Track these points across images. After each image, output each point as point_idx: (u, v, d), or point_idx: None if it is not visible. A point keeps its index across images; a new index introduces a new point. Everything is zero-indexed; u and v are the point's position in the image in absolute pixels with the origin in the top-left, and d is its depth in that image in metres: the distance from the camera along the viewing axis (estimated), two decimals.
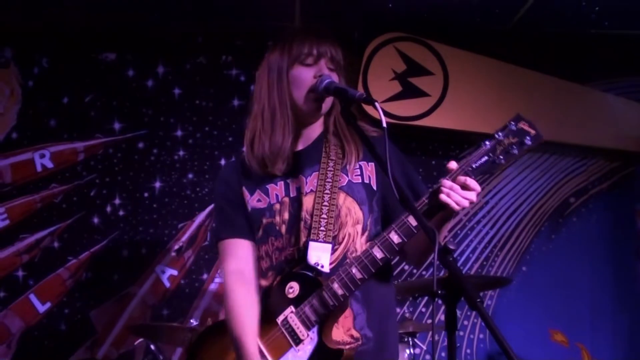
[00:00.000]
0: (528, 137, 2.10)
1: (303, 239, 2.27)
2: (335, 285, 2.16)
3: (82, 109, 5.28)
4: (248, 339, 2.25)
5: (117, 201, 5.19)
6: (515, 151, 2.10)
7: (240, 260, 2.37)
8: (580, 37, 5.39)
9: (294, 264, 2.27)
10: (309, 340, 2.19)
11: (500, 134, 2.11)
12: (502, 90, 5.22)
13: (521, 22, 5.20)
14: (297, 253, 2.27)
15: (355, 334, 2.26)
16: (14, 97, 5.29)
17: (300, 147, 2.38)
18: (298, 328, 2.20)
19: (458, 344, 5.09)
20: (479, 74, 5.25)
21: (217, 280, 5.07)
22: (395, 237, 2.14)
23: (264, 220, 2.32)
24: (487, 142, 2.11)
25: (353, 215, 2.30)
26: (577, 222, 5.42)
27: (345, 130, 2.38)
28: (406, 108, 5.14)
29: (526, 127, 2.11)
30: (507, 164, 2.12)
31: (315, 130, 2.40)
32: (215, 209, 2.53)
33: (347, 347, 2.22)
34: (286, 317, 2.22)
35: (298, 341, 2.20)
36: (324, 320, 2.20)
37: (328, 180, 2.29)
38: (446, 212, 2.14)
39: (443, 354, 5.16)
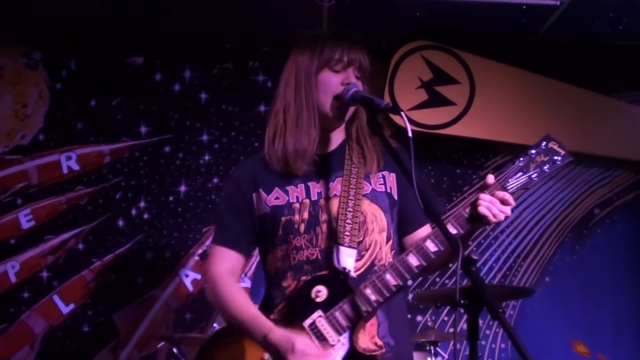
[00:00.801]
0: (558, 157, 2.23)
1: (325, 242, 2.26)
2: (368, 291, 2.17)
3: (109, 112, 5.31)
4: (262, 315, 2.26)
5: (142, 204, 5.21)
6: (547, 169, 2.22)
7: (228, 267, 2.37)
8: (608, 49, 5.38)
9: (317, 265, 2.25)
10: (340, 346, 2.18)
11: (533, 151, 2.23)
12: (528, 100, 5.21)
13: (548, 33, 5.21)
14: (319, 254, 2.25)
15: (379, 342, 2.26)
16: (42, 99, 5.33)
17: (322, 151, 2.38)
18: (328, 333, 2.18)
19: (480, 354, 5.06)
20: (505, 84, 5.24)
21: (241, 284, 5.08)
22: (432, 246, 2.21)
23: (283, 219, 2.30)
24: (522, 159, 2.23)
25: (379, 222, 2.32)
26: (601, 234, 5.39)
27: (367, 139, 2.39)
28: (432, 116, 5.14)
29: (556, 147, 2.25)
30: (539, 181, 2.23)
31: (337, 136, 2.41)
32: (219, 210, 2.52)
33: (373, 354, 2.24)
34: (314, 322, 2.20)
35: (328, 346, 2.18)
36: (355, 326, 2.19)
37: (352, 186, 2.30)
38: (480, 224, 2.22)
39: None
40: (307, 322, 2.21)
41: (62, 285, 5.11)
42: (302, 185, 2.33)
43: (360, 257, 2.27)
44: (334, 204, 2.29)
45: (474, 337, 2.22)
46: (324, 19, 5.08)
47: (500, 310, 1.84)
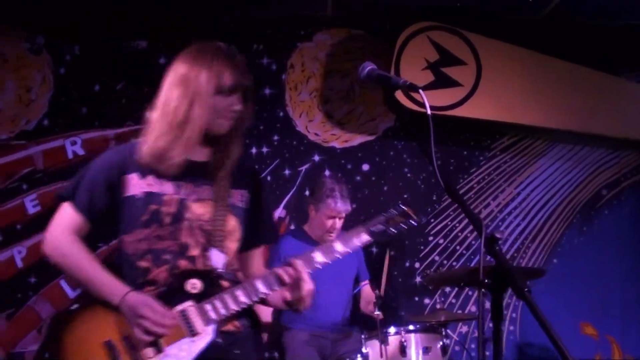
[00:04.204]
0: (410, 220, 2.59)
1: (186, 238, 2.40)
2: (239, 293, 2.37)
3: (114, 96, 5.29)
4: (106, 272, 2.43)
5: None
6: (402, 227, 2.59)
7: (75, 228, 2.53)
8: (614, 28, 5.35)
9: (174, 256, 2.38)
10: (205, 335, 2.34)
11: (393, 211, 2.61)
12: (535, 80, 5.19)
13: (554, 12, 5.18)
14: (178, 247, 2.39)
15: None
16: (46, 84, 5.31)
17: (197, 158, 2.47)
18: (196, 322, 2.34)
19: (487, 335, 5.07)
20: (512, 64, 5.22)
21: None
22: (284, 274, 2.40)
23: (152, 206, 2.40)
24: (383, 216, 2.59)
25: (236, 233, 2.49)
26: (609, 215, 5.39)
27: (233, 156, 2.50)
28: (438, 98, 5.11)
29: (409, 212, 2.62)
30: (395, 234, 2.59)
31: (207, 147, 2.49)
32: (83, 172, 2.56)
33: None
34: (185, 309, 2.34)
35: (194, 333, 2.33)
36: (222, 321, 2.37)
37: (220, 196, 2.45)
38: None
39: (473, 345, 5.15)
40: (178, 308, 2.34)
41: None
42: (173, 182, 2.44)
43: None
44: (200, 207, 2.43)
45: (498, 317, 2.19)
46: (328, 2, 5.04)
47: (526, 290, 1.83)
